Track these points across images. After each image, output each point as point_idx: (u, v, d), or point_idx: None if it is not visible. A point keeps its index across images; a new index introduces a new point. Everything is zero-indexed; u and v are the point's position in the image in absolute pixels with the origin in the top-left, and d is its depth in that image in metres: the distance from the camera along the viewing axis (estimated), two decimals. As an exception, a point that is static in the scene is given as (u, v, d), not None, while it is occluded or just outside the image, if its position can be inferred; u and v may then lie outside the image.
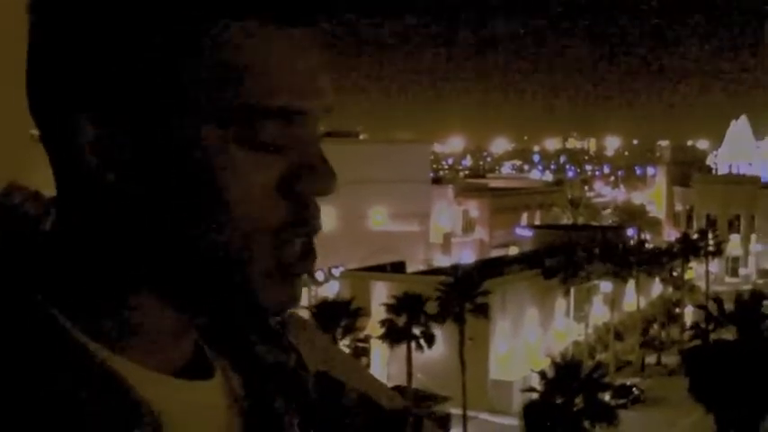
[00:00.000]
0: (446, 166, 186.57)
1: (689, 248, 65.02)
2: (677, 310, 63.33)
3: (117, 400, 0.74)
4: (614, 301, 55.04)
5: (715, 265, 74.85)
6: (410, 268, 54.50)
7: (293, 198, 0.77)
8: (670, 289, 63.87)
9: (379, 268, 50.95)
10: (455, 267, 47.64)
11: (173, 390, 0.80)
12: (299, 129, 0.77)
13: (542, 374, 38.42)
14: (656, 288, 62.73)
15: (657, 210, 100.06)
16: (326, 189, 0.79)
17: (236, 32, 0.73)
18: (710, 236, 70.91)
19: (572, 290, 51.95)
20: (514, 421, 39.04)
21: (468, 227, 73.15)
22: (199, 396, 0.82)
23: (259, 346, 0.91)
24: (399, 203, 61.25)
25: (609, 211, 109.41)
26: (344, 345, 39.32)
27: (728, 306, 45.38)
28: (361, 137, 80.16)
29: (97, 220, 0.77)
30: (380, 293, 45.31)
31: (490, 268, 49.93)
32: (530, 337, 48.67)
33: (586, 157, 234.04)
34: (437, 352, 41.36)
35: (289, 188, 0.76)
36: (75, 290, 0.78)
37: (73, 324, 0.76)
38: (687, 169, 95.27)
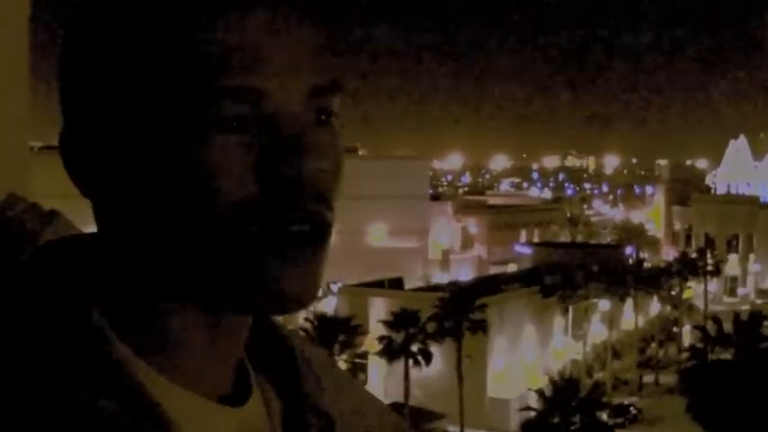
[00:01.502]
0: (445, 183, 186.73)
1: (687, 267, 64.97)
2: (675, 329, 63.27)
3: (148, 419, 0.74)
4: (612, 320, 54.98)
5: (713, 285, 74.79)
6: (408, 284, 54.43)
7: (278, 181, 0.74)
8: (668, 308, 63.81)
9: (378, 284, 50.89)
10: (453, 284, 47.61)
11: (208, 413, 0.80)
12: (268, 108, 0.75)
13: (540, 393, 38.34)
14: (655, 307, 62.67)
15: (656, 228, 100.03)
16: (312, 171, 0.75)
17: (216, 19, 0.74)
18: (709, 255, 70.88)
19: (570, 308, 51.88)
20: (511, 439, 38.93)
21: (467, 244, 73.12)
22: (234, 420, 0.82)
23: (305, 377, 0.91)
24: (398, 220, 61.23)
25: (607, 229, 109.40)
26: (342, 360, 39.24)
27: (727, 326, 45.32)
28: (360, 153, 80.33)
29: (125, 228, 0.77)
30: (378, 309, 45.24)
31: (488, 285, 49.90)
32: (527, 355, 48.57)
33: (585, 176, 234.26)
34: (434, 369, 41.27)
35: (271, 170, 0.75)
36: (121, 303, 0.78)
37: (118, 338, 0.76)
38: (686, 188, 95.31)
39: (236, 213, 0.74)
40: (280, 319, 0.93)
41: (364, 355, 44.45)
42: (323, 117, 0.78)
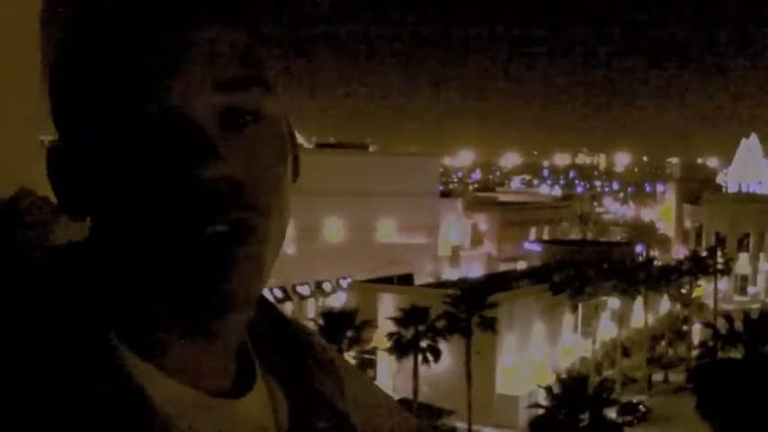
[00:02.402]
0: (455, 180, 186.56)
1: (698, 266, 64.85)
2: (685, 327, 63.16)
3: (144, 415, 0.76)
4: (622, 318, 54.91)
5: (724, 283, 74.61)
6: (418, 281, 54.46)
7: (181, 188, 0.75)
8: (678, 306, 63.70)
9: (387, 280, 50.92)
10: (463, 281, 47.63)
11: (205, 406, 0.82)
12: (173, 112, 0.76)
13: (549, 390, 38.32)
14: (664, 305, 62.57)
15: (667, 227, 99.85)
16: (212, 178, 0.75)
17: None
18: (719, 254, 70.72)
19: (580, 305, 51.82)
20: (520, 436, 38.93)
21: (477, 240, 73.10)
22: (231, 413, 0.84)
23: (317, 375, 0.93)
24: (408, 216, 61.23)
25: (618, 227, 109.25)
26: (350, 356, 39.29)
27: (737, 324, 45.23)
28: (371, 149, 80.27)
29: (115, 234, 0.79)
30: (388, 305, 45.27)
31: (498, 282, 49.88)
32: (536, 352, 48.55)
33: (596, 173, 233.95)
34: (443, 365, 41.28)
35: (174, 177, 0.75)
36: (119, 306, 0.80)
37: (118, 339, 0.79)
38: (697, 187, 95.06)
39: (159, 220, 0.76)
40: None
41: (373, 351, 44.50)
42: (241, 120, 0.78)
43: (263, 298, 0.90)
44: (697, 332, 59.46)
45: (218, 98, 0.77)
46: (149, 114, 0.75)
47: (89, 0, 0.79)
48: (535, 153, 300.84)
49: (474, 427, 40.82)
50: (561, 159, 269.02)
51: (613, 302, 54.68)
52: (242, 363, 0.88)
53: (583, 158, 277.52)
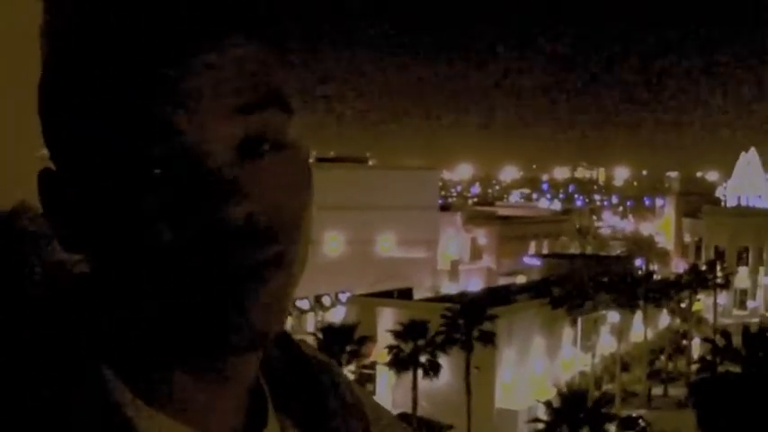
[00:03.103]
0: (455, 194, 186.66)
1: (697, 280, 64.81)
2: (684, 341, 63.08)
3: None
4: (621, 332, 54.84)
5: (723, 298, 74.55)
6: (417, 295, 54.41)
7: (201, 227, 0.70)
8: (678, 320, 63.64)
9: (387, 294, 50.86)
10: (462, 295, 47.59)
11: None
12: (186, 145, 0.70)
13: (548, 404, 38.26)
14: (664, 319, 62.52)
15: (666, 241, 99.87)
16: (234, 217, 0.69)
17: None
18: (719, 268, 70.68)
19: (579, 319, 51.78)
20: (519, 451, 38.83)
21: (476, 254, 73.09)
22: None
23: (338, 417, 0.90)
24: (407, 230, 61.20)
25: (617, 241, 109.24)
26: (350, 371, 39.21)
27: (736, 339, 45.17)
28: (370, 163, 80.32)
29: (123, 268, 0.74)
30: (387, 319, 45.21)
31: (497, 296, 49.84)
32: (536, 367, 48.48)
33: (595, 187, 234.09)
34: (442, 380, 41.21)
35: (193, 216, 0.70)
36: (122, 345, 0.77)
37: (122, 383, 0.75)
38: (696, 201, 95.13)
39: (175, 258, 0.70)
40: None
41: (372, 366, 44.41)
42: (262, 148, 0.73)
43: (284, 334, 0.87)
44: (697, 346, 59.41)
45: (236, 127, 0.71)
46: (161, 147, 0.70)
47: (90, 11, 0.72)
48: (534, 167, 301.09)
49: (473, 441, 40.71)
50: (560, 173, 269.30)
51: (613, 316, 54.63)
52: (254, 401, 0.84)
53: (582, 172, 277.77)
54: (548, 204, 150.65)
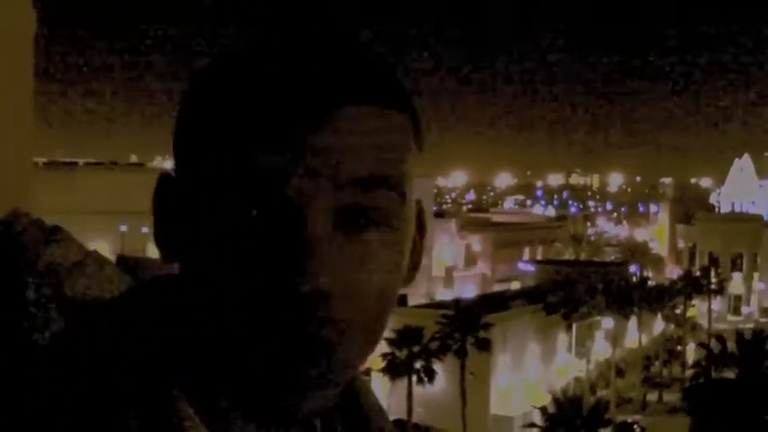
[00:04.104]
0: (449, 200, 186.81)
1: (691, 286, 64.93)
2: (679, 347, 63.17)
3: None
4: (616, 338, 54.89)
5: (717, 303, 74.66)
6: (412, 302, 54.39)
7: (276, 293, 0.70)
8: (672, 326, 63.72)
9: (381, 301, 50.84)
10: (457, 301, 47.60)
11: None
12: (285, 207, 0.71)
13: (543, 410, 38.28)
14: (658, 325, 62.60)
15: (660, 247, 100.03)
16: (306, 292, 0.69)
17: None
18: (713, 274, 70.80)
19: (574, 325, 51.82)
20: (514, 457, 38.83)
21: (471, 261, 73.13)
22: None
23: None
24: (402, 237, 61.20)
25: (611, 247, 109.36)
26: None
27: (730, 344, 45.25)
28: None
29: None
30: (382, 326, 45.17)
31: (492, 303, 49.84)
32: (531, 373, 48.50)
33: (589, 194, 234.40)
34: (437, 386, 41.20)
35: (271, 280, 0.70)
36: (193, 371, 0.76)
37: (188, 407, 0.75)
38: (690, 207, 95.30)
39: (244, 314, 0.71)
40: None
41: (367, 372, 44.41)
42: (361, 222, 0.71)
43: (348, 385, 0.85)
44: (691, 352, 59.48)
45: (340, 197, 0.70)
46: (268, 195, 0.70)
47: (238, 60, 0.73)
48: (528, 173, 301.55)
49: (468, 448, 40.69)
50: (555, 180, 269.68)
51: (607, 322, 54.67)
52: None
53: (576, 179, 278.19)
54: (542, 211, 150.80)
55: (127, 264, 0.93)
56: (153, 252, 0.85)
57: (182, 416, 0.74)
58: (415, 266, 0.82)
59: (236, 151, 0.70)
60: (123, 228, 47.42)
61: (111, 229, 47.30)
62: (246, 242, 0.70)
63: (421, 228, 0.81)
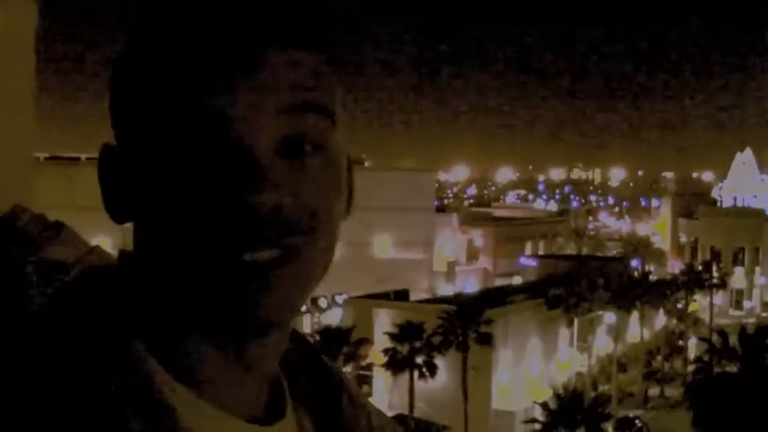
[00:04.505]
0: (451, 195, 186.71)
1: (693, 280, 64.88)
2: (681, 342, 63.15)
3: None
4: (618, 333, 54.89)
5: (719, 298, 74.63)
6: (414, 296, 54.41)
7: (233, 213, 0.76)
8: (674, 321, 63.68)
9: (383, 296, 50.87)
10: (459, 296, 47.60)
11: (237, 431, 0.82)
12: (233, 137, 0.77)
13: (545, 405, 38.28)
14: (660, 320, 62.56)
15: (662, 241, 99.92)
16: (265, 205, 0.75)
17: None
18: (715, 268, 70.76)
19: (575, 320, 51.80)
20: (516, 452, 38.84)
21: (473, 255, 73.09)
22: None
23: (348, 410, 0.94)
24: (404, 231, 61.24)
25: (613, 241, 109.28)
26: (347, 372, 39.14)
27: (733, 339, 45.23)
28: (366, 164, 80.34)
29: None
30: (384, 321, 45.21)
31: (494, 297, 49.83)
32: (532, 368, 48.51)
33: (591, 188, 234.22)
34: (439, 381, 41.22)
35: (229, 202, 0.76)
36: (156, 327, 0.81)
37: (156, 361, 0.79)
38: (692, 201, 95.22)
39: (203, 237, 0.76)
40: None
41: (369, 368, 44.41)
42: (301, 149, 0.78)
43: (294, 330, 0.91)
44: (693, 347, 59.47)
45: (279, 125, 0.77)
46: (207, 132, 0.76)
47: (157, 13, 0.80)
48: (530, 168, 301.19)
49: (470, 442, 40.71)
50: (556, 174, 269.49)
51: (609, 317, 54.66)
52: (273, 392, 0.88)
53: (578, 173, 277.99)
54: (544, 205, 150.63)
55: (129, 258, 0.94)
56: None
57: (156, 379, 0.78)
58: (351, 202, 0.88)
59: (174, 100, 0.76)
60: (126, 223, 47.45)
61: (113, 224, 47.31)
62: (195, 185, 0.76)
63: (349, 170, 0.87)
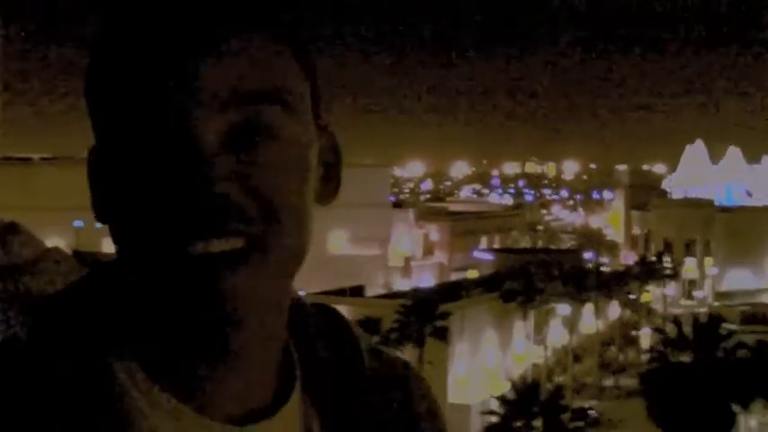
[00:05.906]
0: (406, 190, 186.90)
1: (646, 271, 65.61)
2: (634, 332, 63.84)
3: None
4: (573, 324, 55.40)
5: (672, 289, 75.52)
6: (370, 292, 54.47)
7: (183, 205, 0.76)
8: (628, 312, 64.36)
9: (340, 292, 50.90)
10: (415, 291, 47.80)
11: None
12: (179, 128, 0.76)
13: (502, 399, 38.54)
14: (614, 311, 63.20)
15: (615, 233, 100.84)
16: (215, 196, 0.75)
17: None
18: (667, 259, 71.59)
19: (531, 313, 52.19)
20: (474, 444, 39.07)
21: (428, 250, 73.30)
22: None
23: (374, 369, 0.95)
24: (359, 227, 61.28)
25: (567, 234, 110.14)
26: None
27: (686, 329, 45.80)
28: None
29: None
30: (340, 317, 45.24)
31: (450, 292, 50.06)
32: (489, 361, 48.79)
33: (545, 182, 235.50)
34: (396, 376, 41.35)
35: (178, 194, 0.76)
36: (128, 326, 0.81)
37: (123, 359, 0.79)
38: (644, 193, 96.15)
39: (159, 237, 0.75)
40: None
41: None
42: (254, 138, 0.76)
43: (323, 305, 0.93)
44: (646, 337, 60.15)
45: (230, 115, 0.75)
46: (158, 128, 0.75)
47: (119, 16, 0.78)
48: (485, 162, 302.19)
49: (428, 436, 40.89)
50: (510, 168, 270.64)
51: (564, 309, 55.13)
52: (280, 379, 0.85)
53: (532, 167, 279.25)
54: (499, 199, 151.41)
55: (83, 259, 0.93)
56: (109, 248, 0.86)
57: (127, 383, 0.78)
58: (333, 192, 0.87)
59: (131, 98, 0.75)
60: (79, 223, 47.06)
61: (67, 224, 46.91)
62: (150, 181, 0.75)
63: (336, 156, 0.87)
